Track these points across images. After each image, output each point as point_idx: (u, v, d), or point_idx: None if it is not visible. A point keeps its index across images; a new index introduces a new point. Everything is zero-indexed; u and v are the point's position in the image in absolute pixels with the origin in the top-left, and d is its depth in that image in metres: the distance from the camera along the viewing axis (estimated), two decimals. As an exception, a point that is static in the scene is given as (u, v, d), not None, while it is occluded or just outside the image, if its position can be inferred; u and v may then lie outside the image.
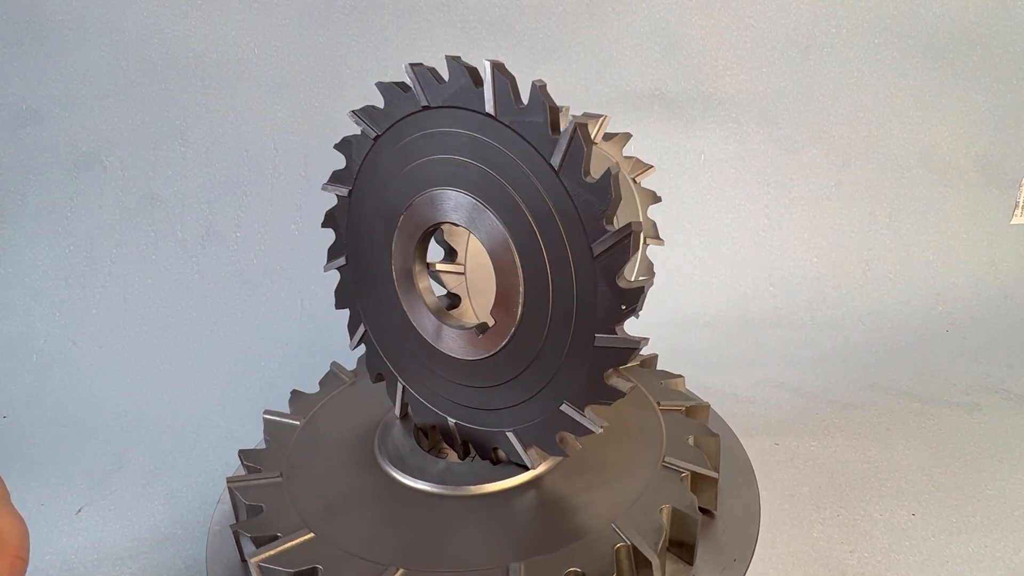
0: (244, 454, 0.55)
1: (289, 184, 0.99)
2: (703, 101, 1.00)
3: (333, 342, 0.94)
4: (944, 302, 1.01)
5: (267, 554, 0.43)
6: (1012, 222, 1.06)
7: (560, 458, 0.50)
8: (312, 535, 0.44)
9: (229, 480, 0.51)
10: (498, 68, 0.41)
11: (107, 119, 0.97)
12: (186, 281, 0.99)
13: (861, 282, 1.03)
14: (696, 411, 0.57)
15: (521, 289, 0.44)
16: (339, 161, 0.53)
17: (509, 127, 0.42)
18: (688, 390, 0.63)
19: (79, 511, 0.68)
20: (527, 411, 0.47)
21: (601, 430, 0.44)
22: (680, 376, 0.63)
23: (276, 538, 0.44)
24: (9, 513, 0.37)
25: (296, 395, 0.63)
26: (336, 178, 0.53)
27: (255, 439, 0.62)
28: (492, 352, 0.47)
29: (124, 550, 0.62)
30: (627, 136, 0.59)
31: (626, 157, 0.59)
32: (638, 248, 0.41)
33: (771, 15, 0.97)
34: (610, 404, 0.43)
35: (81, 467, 0.74)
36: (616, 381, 0.42)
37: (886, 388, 0.84)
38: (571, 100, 1.00)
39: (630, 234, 0.38)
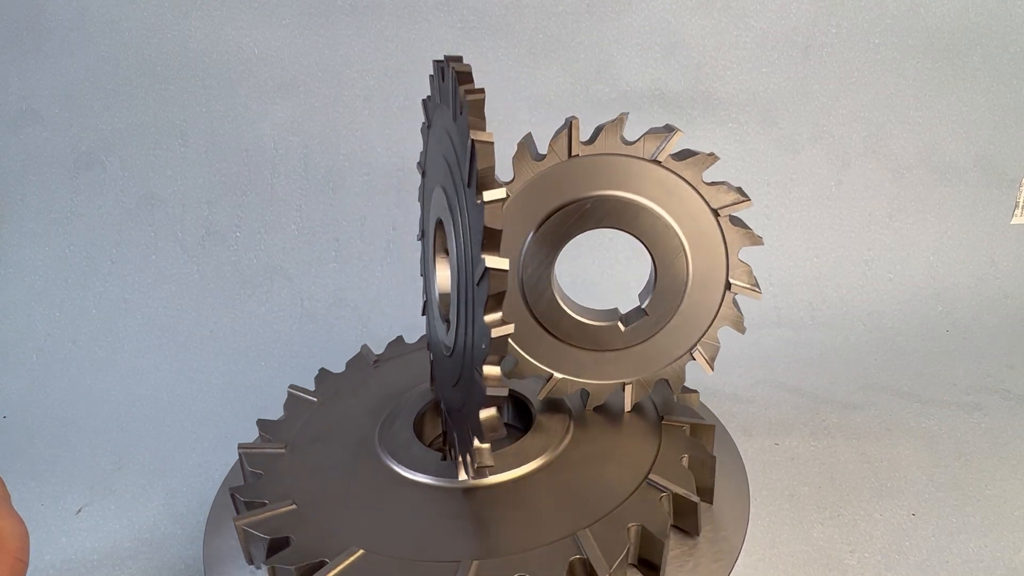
0: (262, 424, 0.57)
1: (289, 184, 0.99)
2: (703, 101, 1.00)
3: (333, 342, 0.94)
4: (944, 302, 1.01)
5: (249, 519, 0.45)
6: (1012, 222, 1.06)
7: (546, 460, 0.51)
8: (294, 506, 0.46)
9: (241, 446, 0.53)
10: (458, 73, 0.41)
11: (107, 119, 0.97)
12: (186, 281, 0.99)
13: (861, 282, 1.03)
14: (700, 430, 0.55)
15: (455, 299, 0.45)
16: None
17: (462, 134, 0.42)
18: (700, 406, 0.60)
19: (79, 511, 0.68)
20: (460, 420, 0.48)
21: (477, 466, 0.44)
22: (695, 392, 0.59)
23: (264, 505, 0.46)
24: (9, 515, 0.37)
25: (323, 373, 0.66)
26: (420, 162, 0.57)
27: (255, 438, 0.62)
28: (450, 353, 0.49)
29: (124, 550, 0.62)
30: (710, 158, 0.50)
31: (711, 184, 0.51)
32: (501, 288, 0.37)
33: (771, 15, 0.97)
34: (483, 442, 0.42)
35: (81, 467, 0.74)
36: (486, 420, 0.41)
37: (886, 388, 0.84)
38: (571, 100, 1.00)
39: (485, 271, 0.37)
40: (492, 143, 0.38)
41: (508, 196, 0.39)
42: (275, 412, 0.63)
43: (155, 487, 0.70)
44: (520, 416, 0.62)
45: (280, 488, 0.48)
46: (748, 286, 0.52)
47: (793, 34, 0.98)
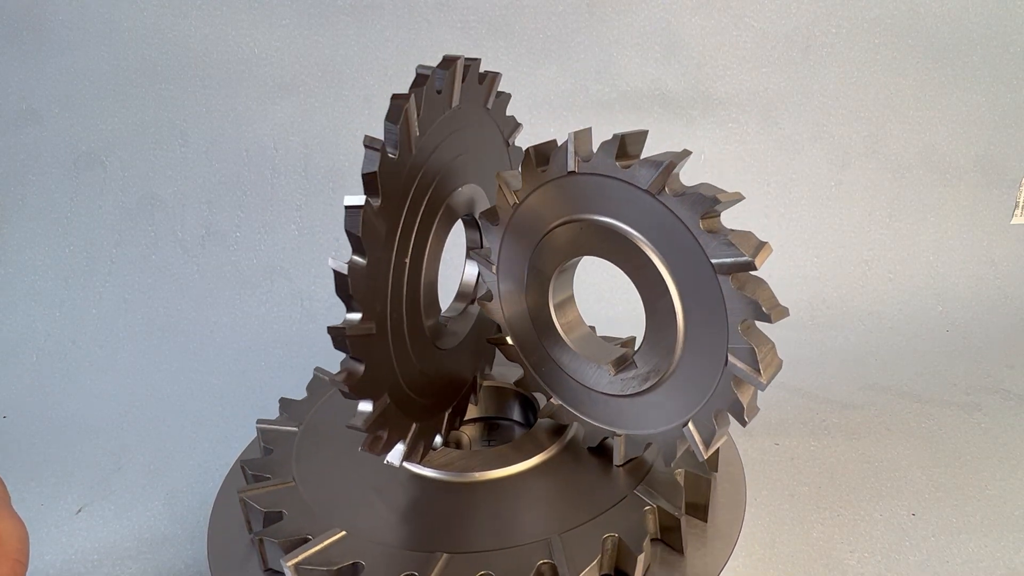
0: (248, 464, 0.54)
1: (289, 184, 0.99)
2: (703, 101, 1.00)
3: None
4: (944, 302, 1.01)
5: (304, 555, 0.43)
6: (1012, 222, 1.06)
7: (497, 477, 0.51)
8: (344, 532, 0.45)
9: (240, 491, 0.51)
10: (419, 74, 0.42)
11: (107, 119, 0.97)
12: (186, 281, 0.99)
13: (861, 282, 1.03)
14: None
15: None
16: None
17: None
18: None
19: (79, 511, 0.68)
20: None
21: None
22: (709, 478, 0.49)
23: (307, 540, 0.45)
24: (9, 516, 0.37)
25: (285, 402, 0.63)
26: None
27: (254, 438, 0.62)
28: None
29: (124, 550, 0.62)
30: (711, 199, 0.39)
31: (719, 231, 0.39)
32: (341, 291, 0.39)
33: (771, 15, 0.97)
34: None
35: (81, 467, 0.74)
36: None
37: (886, 388, 0.84)
38: (571, 100, 1.00)
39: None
40: (378, 150, 0.39)
41: (366, 203, 0.37)
42: (275, 412, 0.63)
43: (155, 487, 0.70)
44: (526, 418, 0.62)
45: (315, 519, 0.48)
46: (749, 368, 0.40)
47: (793, 34, 0.98)
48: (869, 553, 0.58)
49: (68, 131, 0.97)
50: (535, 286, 0.51)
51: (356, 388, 0.41)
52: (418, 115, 0.42)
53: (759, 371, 0.39)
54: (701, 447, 0.44)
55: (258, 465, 0.54)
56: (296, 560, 0.43)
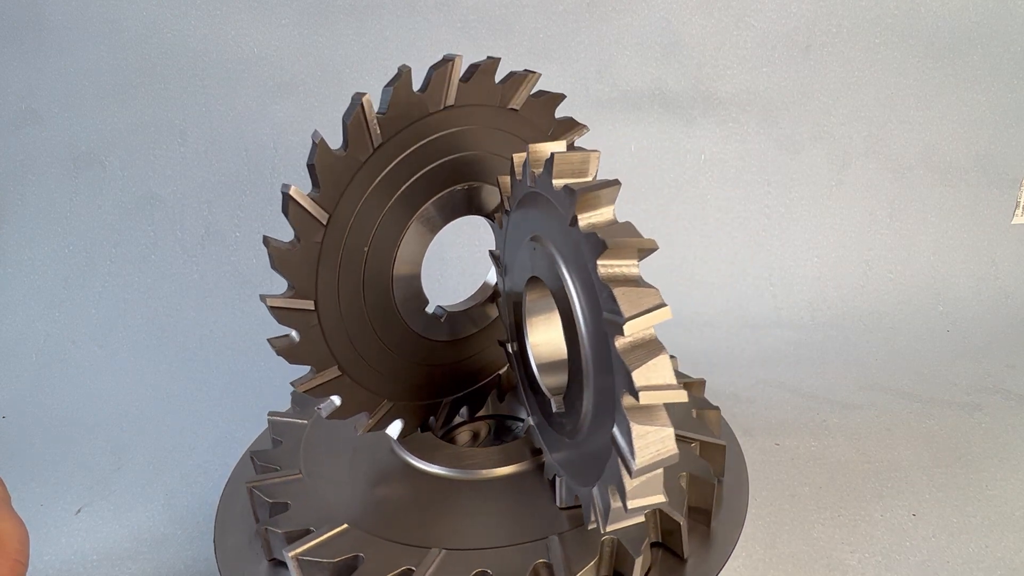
0: (257, 455, 0.56)
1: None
2: (703, 101, 1.00)
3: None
4: (944, 302, 1.01)
5: (305, 547, 0.44)
6: (1012, 222, 1.06)
7: (533, 465, 0.52)
8: (346, 525, 0.46)
9: (248, 482, 0.51)
10: (399, 75, 0.44)
11: (107, 119, 0.97)
12: (186, 281, 0.99)
13: (861, 282, 1.03)
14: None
15: None
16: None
17: None
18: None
19: (79, 511, 0.68)
20: None
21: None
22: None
23: (309, 532, 0.46)
24: (10, 516, 0.37)
25: (297, 395, 0.64)
26: None
27: (254, 439, 0.62)
28: None
29: (124, 550, 0.62)
30: (604, 247, 0.32)
31: (614, 279, 0.32)
32: (272, 264, 0.40)
33: (771, 15, 0.97)
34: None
35: (81, 467, 0.74)
36: None
37: (886, 388, 0.84)
38: (571, 100, 0.99)
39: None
40: (317, 144, 0.41)
41: (294, 191, 0.41)
42: (275, 412, 0.63)
43: (155, 487, 0.70)
44: None
45: (318, 512, 0.48)
46: (624, 446, 0.33)
47: (793, 34, 0.98)
48: (870, 553, 0.58)
49: (68, 131, 0.97)
50: (520, 297, 0.50)
51: (289, 354, 0.44)
52: (384, 113, 0.43)
53: (632, 453, 0.32)
54: (600, 518, 0.38)
55: (268, 457, 0.57)
56: (297, 551, 0.44)
